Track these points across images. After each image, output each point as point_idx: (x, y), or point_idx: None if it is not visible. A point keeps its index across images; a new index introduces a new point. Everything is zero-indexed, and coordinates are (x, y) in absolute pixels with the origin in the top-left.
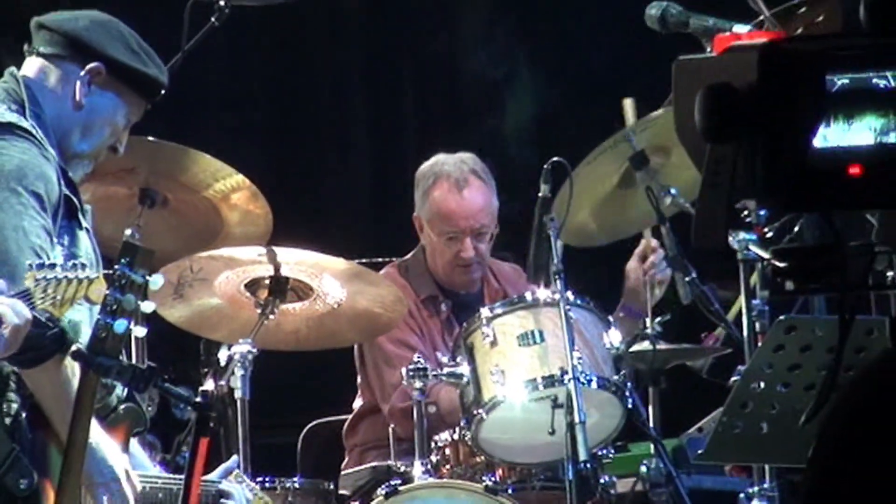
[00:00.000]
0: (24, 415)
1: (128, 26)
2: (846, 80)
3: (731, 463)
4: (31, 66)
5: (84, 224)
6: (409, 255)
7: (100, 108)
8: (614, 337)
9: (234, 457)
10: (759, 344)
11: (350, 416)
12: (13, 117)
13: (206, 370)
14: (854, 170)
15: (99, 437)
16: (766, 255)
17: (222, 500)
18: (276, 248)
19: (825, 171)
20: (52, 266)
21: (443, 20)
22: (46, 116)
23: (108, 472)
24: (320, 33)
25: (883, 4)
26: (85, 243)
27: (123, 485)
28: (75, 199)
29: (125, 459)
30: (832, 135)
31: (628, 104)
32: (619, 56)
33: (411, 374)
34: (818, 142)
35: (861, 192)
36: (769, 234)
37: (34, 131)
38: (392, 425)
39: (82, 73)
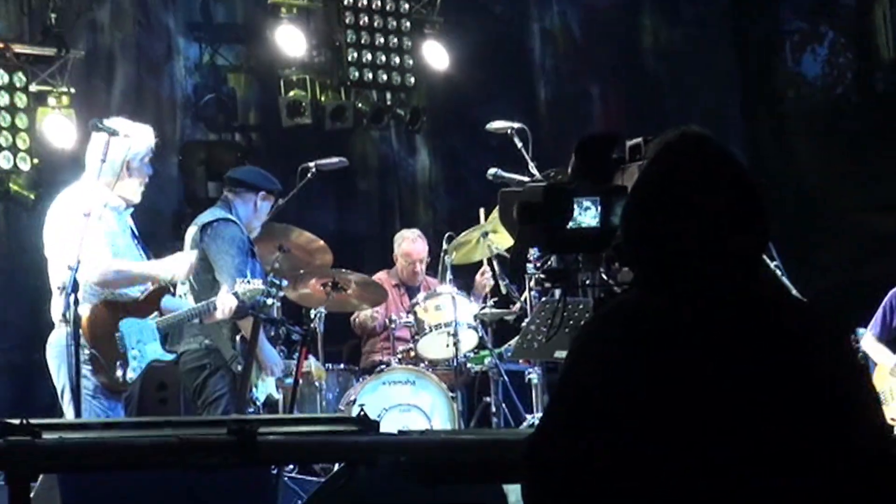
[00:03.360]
0: (237, 337)
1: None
2: (587, 198)
3: (522, 358)
4: (229, 193)
5: (258, 261)
6: (392, 269)
7: (261, 210)
8: (473, 307)
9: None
10: (533, 311)
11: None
12: (226, 215)
13: (305, 319)
14: (582, 235)
15: (263, 343)
16: (538, 273)
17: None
18: (333, 269)
19: (570, 237)
20: (249, 282)
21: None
22: (241, 215)
23: (266, 357)
24: (362, 179)
25: (584, 155)
26: (259, 270)
27: (278, 364)
28: (253, 249)
29: (275, 355)
30: (577, 219)
31: (482, 211)
32: (487, 189)
33: (389, 321)
34: (569, 224)
35: (583, 244)
36: (538, 264)
37: (237, 221)
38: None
39: (255, 196)
